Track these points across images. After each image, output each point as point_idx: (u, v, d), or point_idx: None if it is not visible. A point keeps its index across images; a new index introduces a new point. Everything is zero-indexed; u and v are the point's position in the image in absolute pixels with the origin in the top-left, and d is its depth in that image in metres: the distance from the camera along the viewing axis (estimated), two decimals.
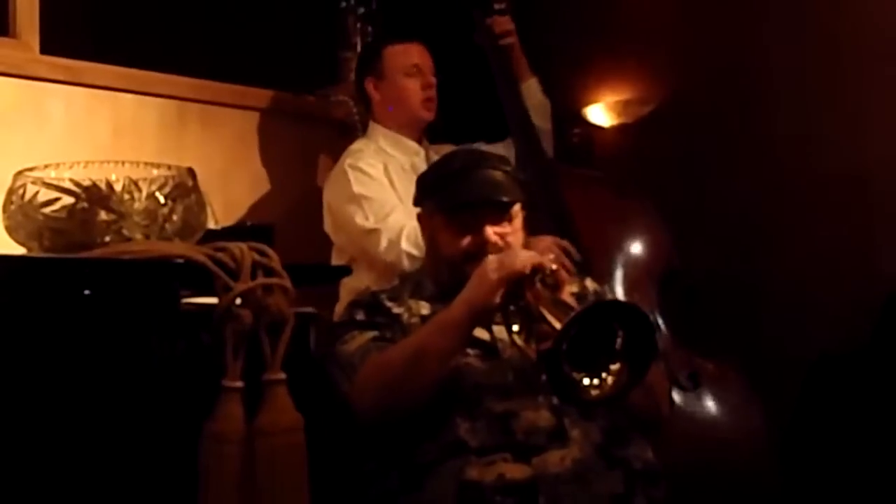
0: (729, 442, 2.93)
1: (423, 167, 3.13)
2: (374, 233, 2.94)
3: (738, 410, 2.99)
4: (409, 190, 3.04)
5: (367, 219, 2.96)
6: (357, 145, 3.18)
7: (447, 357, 2.16)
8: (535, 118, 3.25)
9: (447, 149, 3.23)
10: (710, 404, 2.96)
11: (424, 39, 3.24)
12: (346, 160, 3.09)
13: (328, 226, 3.12)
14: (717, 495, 2.75)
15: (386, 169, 3.08)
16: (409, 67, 3.17)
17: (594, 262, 2.90)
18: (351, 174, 3.03)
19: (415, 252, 2.85)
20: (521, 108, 3.23)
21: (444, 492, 2.12)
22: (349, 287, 2.97)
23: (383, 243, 2.91)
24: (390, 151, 3.16)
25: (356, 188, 3.01)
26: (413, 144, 3.20)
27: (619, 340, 1.96)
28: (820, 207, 3.39)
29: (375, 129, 3.21)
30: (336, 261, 3.09)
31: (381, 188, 3.03)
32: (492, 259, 2.17)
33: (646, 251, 3.13)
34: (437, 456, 2.16)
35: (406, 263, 2.85)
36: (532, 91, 3.32)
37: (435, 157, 3.17)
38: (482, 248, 2.27)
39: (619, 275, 3.01)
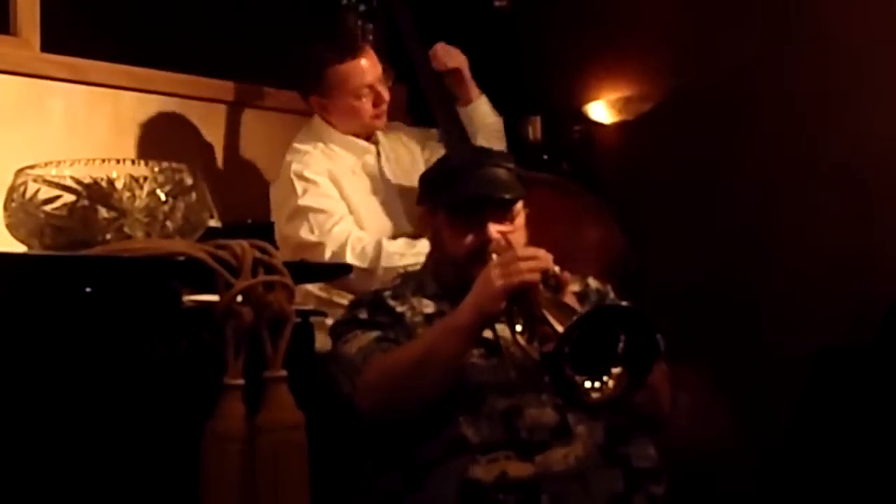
0: (696, 442, 2.92)
1: (373, 164, 3.07)
2: (318, 246, 2.84)
3: (705, 411, 2.98)
4: (361, 193, 2.99)
5: (311, 232, 2.86)
6: (304, 146, 3.00)
7: (453, 361, 2.15)
8: (484, 140, 3.11)
9: (399, 133, 3.18)
10: (682, 408, 2.94)
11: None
12: (293, 165, 2.93)
13: (276, 225, 3.00)
14: (697, 496, 2.75)
15: (332, 176, 2.95)
16: (360, 88, 2.98)
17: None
18: (298, 185, 2.90)
19: (360, 264, 2.78)
20: (458, 129, 3.11)
21: (446, 490, 2.11)
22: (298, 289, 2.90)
23: (327, 256, 2.82)
24: (339, 152, 3.02)
25: (302, 201, 2.88)
26: (362, 143, 3.06)
27: (620, 344, 1.96)
28: (822, 204, 3.39)
29: (321, 126, 3.05)
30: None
31: (327, 199, 2.91)
32: (497, 264, 2.15)
33: (596, 253, 3.05)
34: (439, 454, 2.15)
35: (351, 275, 2.71)
36: (480, 111, 3.18)
37: (386, 146, 3.11)
38: (485, 246, 2.27)
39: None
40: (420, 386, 2.14)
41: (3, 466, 1.70)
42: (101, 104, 3.02)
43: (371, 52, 3.03)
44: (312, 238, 2.85)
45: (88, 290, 1.80)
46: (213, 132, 3.30)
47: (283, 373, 1.86)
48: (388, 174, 3.07)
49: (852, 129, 3.34)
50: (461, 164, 2.39)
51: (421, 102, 3.25)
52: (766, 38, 3.54)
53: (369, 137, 3.10)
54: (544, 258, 2.14)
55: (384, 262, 2.79)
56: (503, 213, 2.32)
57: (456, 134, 3.11)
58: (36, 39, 2.97)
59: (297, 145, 3.02)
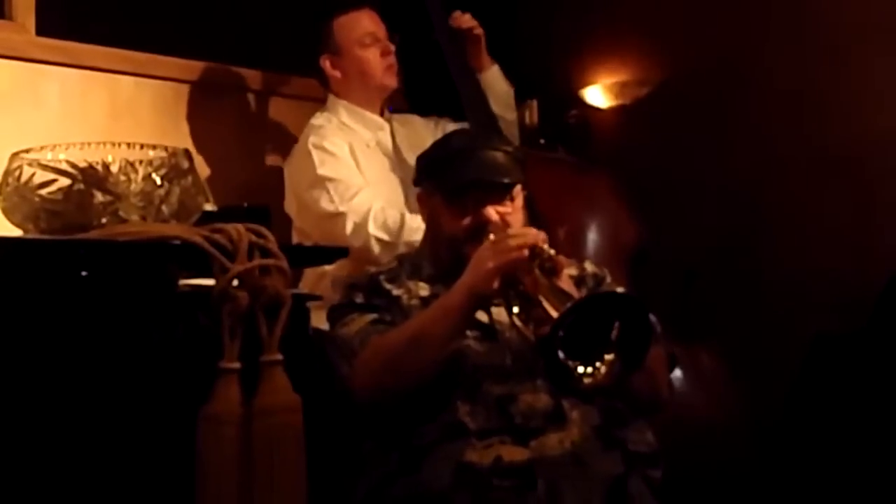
0: (706, 424, 2.93)
1: (387, 142, 3.11)
2: (339, 216, 2.86)
3: (715, 393, 3.00)
4: (376, 169, 3.03)
5: (332, 202, 2.88)
6: (318, 121, 3.07)
7: (447, 342, 2.15)
8: (497, 108, 3.17)
9: (412, 120, 3.22)
10: (687, 387, 2.96)
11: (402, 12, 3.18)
12: (310, 138, 2.99)
13: (290, 207, 3.04)
14: (695, 476, 2.76)
15: (351, 148, 3.00)
16: (364, 37, 3.07)
17: (558, 246, 2.89)
18: (315, 155, 2.94)
19: (383, 236, 2.81)
20: (479, 97, 3.15)
21: (441, 474, 2.11)
22: (318, 270, 2.92)
23: (349, 227, 2.84)
24: (353, 127, 3.07)
25: (321, 170, 2.92)
26: (376, 119, 3.12)
27: (614, 331, 1.96)
28: (818, 188, 3.39)
29: (336, 103, 3.11)
30: (297, 241, 3.00)
31: (346, 169, 2.95)
32: (489, 245, 2.16)
33: (611, 231, 3.11)
34: (435, 438, 2.15)
35: (375, 248, 2.81)
36: (494, 79, 3.22)
37: (400, 129, 3.14)
38: (483, 228, 2.27)
39: (584, 255, 2.99)
40: (413, 366, 2.14)
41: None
42: (96, 88, 3.01)
43: (373, 12, 3.11)
44: (332, 208, 2.87)
45: (84, 274, 1.80)
46: (209, 116, 3.29)
47: (279, 356, 1.87)
48: (402, 152, 3.09)
49: (849, 115, 3.34)
50: (459, 146, 2.38)
51: (416, 85, 3.25)
52: (763, 22, 3.54)
53: (382, 113, 3.14)
54: (534, 234, 2.14)
55: (406, 236, 2.78)
56: (501, 196, 2.31)
57: (475, 99, 3.13)
58: (31, 23, 2.95)
59: (313, 122, 3.07)
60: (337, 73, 3.09)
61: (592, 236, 3.07)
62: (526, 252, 2.10)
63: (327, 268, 2.87)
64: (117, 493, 1.77)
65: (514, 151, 2.39)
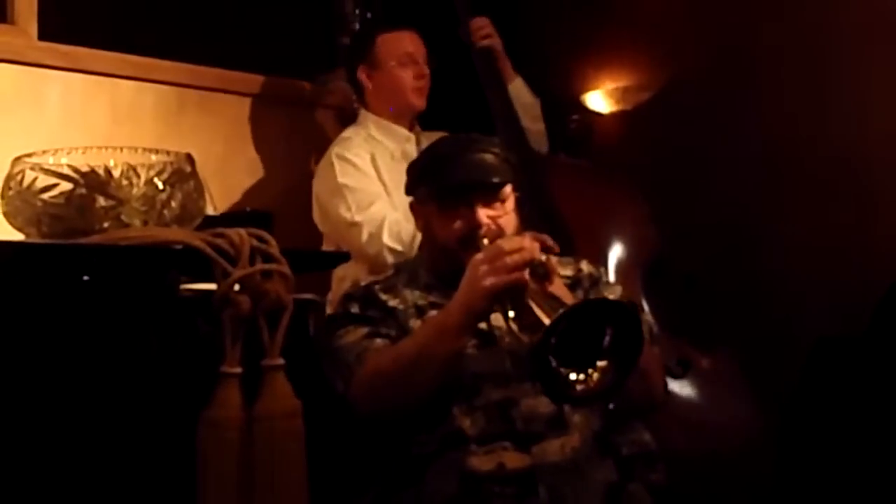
0: (719, 428, 2.93)
1: (414, 153, 3.12)
2: (355, 226, 2.95)
3: (729, 396, 3.00)
4: (398, 178, 3.05)
5: (349, 210, 2.97)
6: (347, 133, 3.18)
7: (448, 361, 2.14)
8: (524, 120, 3.28)
9: (439, 136, 3.25)
10: (700, 390, 2.96)
11: (418, 26, 3.25)
12: (334, 149, 3.10)
13: (316, 215, 3.13)
14: (708, 480, 2.76)
15: (373, 158, 3.09)
16: (403, 56, 3.17)
17: (581, 252, 2.90)
18: (337, 164, 3.04)
19: (396, 246, 2.88)
20: (507, 106, 3.25)
21: (444, 483, 2.11)
22: (339, 275, 3.00)
23: (364, 237, 2.92)
24: (380, 139, 3.16)
25: (340, 179, 3.02)
26: (403, 131, 3.21)
27: (607, 338, 1.96)
28: (819, 189, 3.38)
29: (366, 117, 3.22)
30: (326, 248, 3.10)
31: (365, 178, 3.04)
32: (484, 259, 2.10)
33: (632, 239, 3.13)
34: (436, 447, 2.15)
35: (389, 259, 2.85)
36: (519, 92, 3.33)
37: (425, 139, 3.18)
38: (476, 231, 2.24)
39: (605, 264, 3.00)
40: (416, 385, 2.13)
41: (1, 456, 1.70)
42: (98, 93, 3.01)
43: (416, 34, 3.23)
44: (349, 216, 2.97)
45: (86, 278, 1.80)
46: (211, 121, 3.29)
47: (281, 361, 1.87)
48: None
49: (851, 118, 3.33)
50: (446, 151, 2.37)
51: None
52: (764, 26, 3.53)
53: (411, 128, 3.23)
54: (529, 249, 2.09)
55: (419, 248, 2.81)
56: (492, 197, 2.29)
57: (505, 115, 3.24)
58: (33, 28, 2.96)
59: (343, 134, 3.20)
60: (370, 85, 3.20)
61: (612, 244, 3.09)
62: (525, 275, 2.07)
63: (349, 271, 2.94)
64: (119, 498, 1.77)
65: (504, 153, 2.36)
